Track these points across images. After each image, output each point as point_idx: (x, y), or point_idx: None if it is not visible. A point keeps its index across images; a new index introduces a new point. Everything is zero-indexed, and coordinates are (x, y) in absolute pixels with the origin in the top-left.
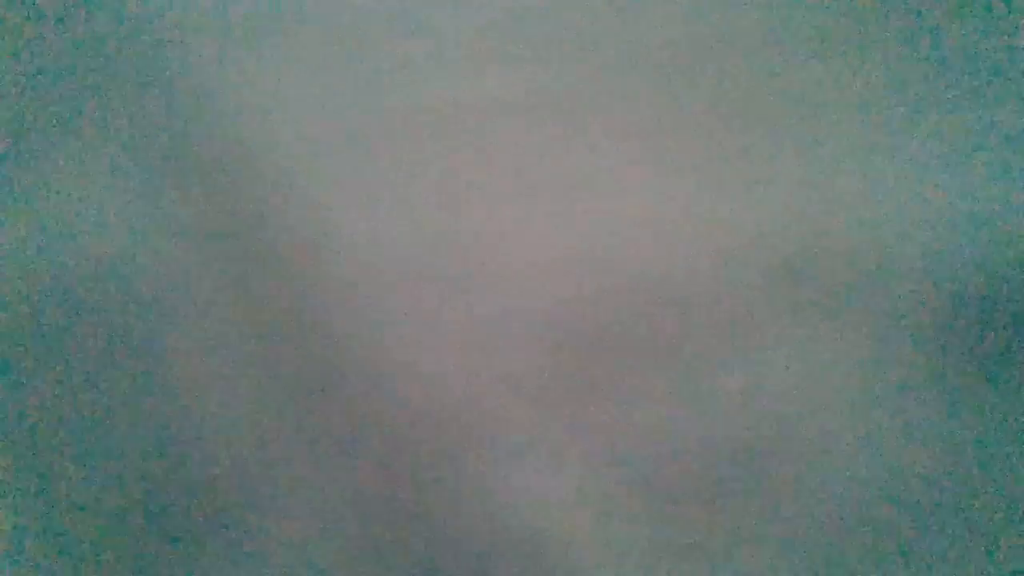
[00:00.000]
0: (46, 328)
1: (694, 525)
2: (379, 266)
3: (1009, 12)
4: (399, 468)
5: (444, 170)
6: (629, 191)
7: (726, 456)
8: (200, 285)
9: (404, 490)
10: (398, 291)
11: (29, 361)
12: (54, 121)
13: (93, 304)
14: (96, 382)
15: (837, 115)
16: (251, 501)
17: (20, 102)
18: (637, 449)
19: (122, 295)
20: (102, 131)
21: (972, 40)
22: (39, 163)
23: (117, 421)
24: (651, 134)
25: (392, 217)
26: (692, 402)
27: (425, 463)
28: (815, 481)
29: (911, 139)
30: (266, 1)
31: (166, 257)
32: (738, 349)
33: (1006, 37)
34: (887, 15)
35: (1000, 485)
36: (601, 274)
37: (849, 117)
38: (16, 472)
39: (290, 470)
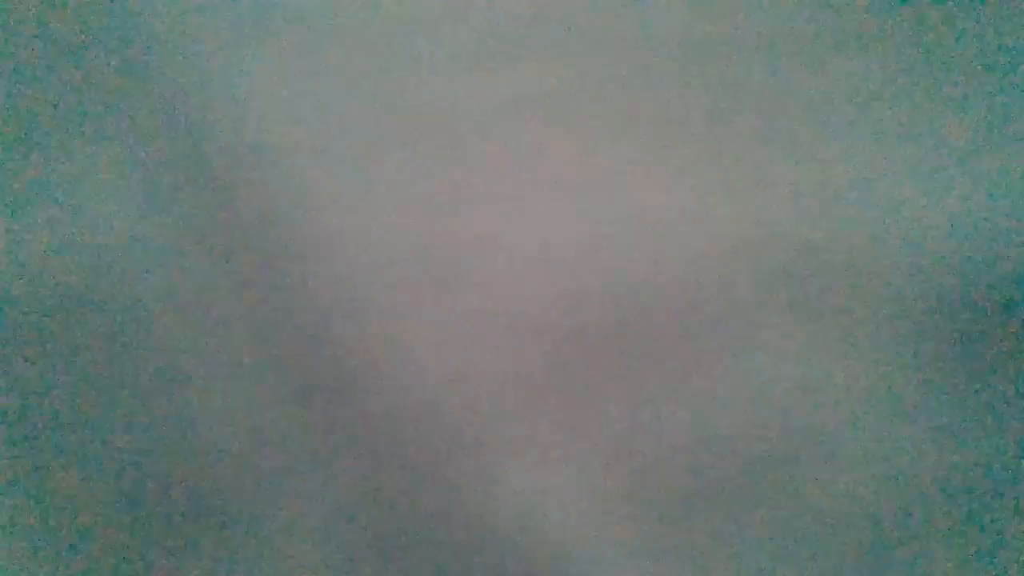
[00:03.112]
0: (46, 328)
1: (694, 525)
2: (379, 266)
3: (1010, 12)
4: (398, 468)
5: (444, 170)
6: (629, 191)
7: (726, 456)
8: (200, 285)
9: (403, 489)
10: (398, 291)
11: (29, 361)
12: (54, 121)
13: (93, 304)
14: (96, 382)
15: (837, 115)
16: (250, 501)
17: (20, 102)
18: (637, 449)
19: (122, 295)
20: (102, 131)
21: (972, 40)
22: (39, 163)
23: (117, 421)
24: (651, 134)
25: (392, 217)
26: (692, 402)
27: (425, 463)
28: (815, 481)
29: (911, 139)
30: (266, 1)
31: (166, 257)
32: (738, 349)
33: (1006, 37)
34: (887, 15)
35: (1000, 485)
36: (601, 274)
37: (849, 117)
38: (16, 472)
39: (289, 470)
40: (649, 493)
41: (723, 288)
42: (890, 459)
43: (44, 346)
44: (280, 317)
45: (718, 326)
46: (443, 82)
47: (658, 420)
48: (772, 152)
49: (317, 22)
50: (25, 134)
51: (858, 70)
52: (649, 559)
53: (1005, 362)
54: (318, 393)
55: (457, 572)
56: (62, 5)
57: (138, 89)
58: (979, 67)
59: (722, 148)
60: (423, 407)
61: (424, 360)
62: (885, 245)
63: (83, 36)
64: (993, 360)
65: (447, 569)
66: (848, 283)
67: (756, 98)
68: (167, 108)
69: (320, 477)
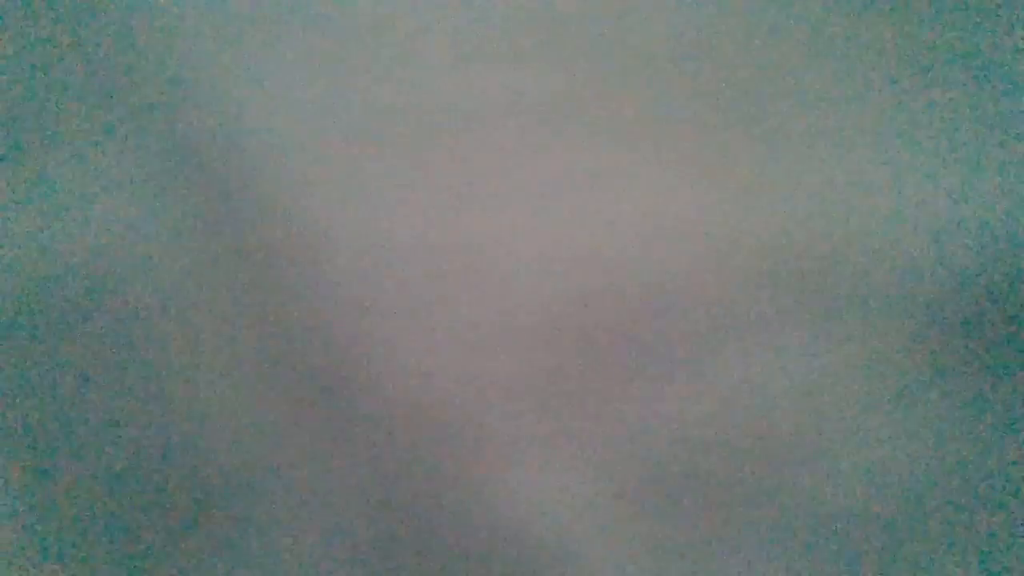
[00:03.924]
0: (46, 328)
1: (695, 525)
2: (379, 266)
3: (1009, 12)
4: (398, 468)
5: (444, 170)
6: (628, 191)
7: (726, 456)
8: (200, 285)
9: (403, 490)
10: (398, 291)
11: (29, 361)
12: (54, 121)
13: (93, 304)
14: (96, 382)
15: (836, 115)
16: (251, 501)
17: (20, 102)
18: (636, 449)
19: (122, 295)
20: (102, 131)
21: (972, 40)
22: (39, 163)
23: (117, 421)
24: (650, 134)
25: (392, 217)
26: (691, 402)
27: (425, 463)
28: (814, 481)
29: (910, 139)
30: (266, 1)
31: (166, 257)
32: (737, 349)
33: (1006, 37)
34: (887, 15)
35: (1000, 485)
36: (601, 274)
37: (848, 117)
38: (16, 472)
39: (290, 470)
40: (651, 493)
41: (724, 289)
42: (890, 459)
43: (42, 346)
44: (280, 317)
45: (718, 326)
46: (444, 82)
47: (660, 421)
48: (771, 152)
49: (316, 21)
50: (22, 133)
51: (858, 70)
52: (652, 559)
53: (1005, 362)
54: (318, 393)
55: (459, 571)
56: (60, 4)
57: (137, 88)
58: (979, 67)
59: (721, 148)
60: (424, 408)
61: (425, 361)
62: (885, 245)
63: (81, 35)
64: (993, 360)
65: (449, 568)
66: (848, 283)
67: (754, 98)
68: (166, 107)
69: (320, 477)
